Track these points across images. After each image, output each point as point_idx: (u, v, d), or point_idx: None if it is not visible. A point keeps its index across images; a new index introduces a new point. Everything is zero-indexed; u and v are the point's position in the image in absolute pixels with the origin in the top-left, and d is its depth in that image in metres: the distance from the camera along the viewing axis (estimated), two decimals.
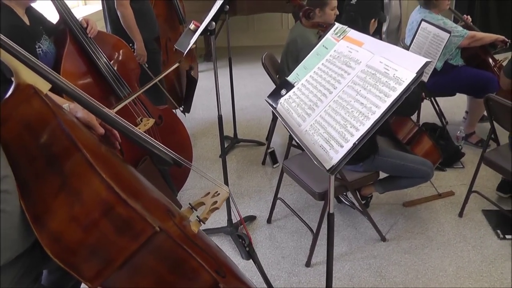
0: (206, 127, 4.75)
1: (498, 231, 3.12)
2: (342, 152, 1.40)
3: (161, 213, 1.33)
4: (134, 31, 3.48)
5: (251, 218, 3.31)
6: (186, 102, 4.30)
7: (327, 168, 1.41)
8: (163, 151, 1.55)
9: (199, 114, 4.80)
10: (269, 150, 4.02)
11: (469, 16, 4.37)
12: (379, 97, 1.44)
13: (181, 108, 4.15)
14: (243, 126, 4.65)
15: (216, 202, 1.48)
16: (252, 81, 5.86)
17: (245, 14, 6.31)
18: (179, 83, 4.39)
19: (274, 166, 3.99)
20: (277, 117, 3.71)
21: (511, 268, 2.80)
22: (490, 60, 4.12)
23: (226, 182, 3.09)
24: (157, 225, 1.14)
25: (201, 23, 2.91)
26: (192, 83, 4.24)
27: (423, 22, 3.57)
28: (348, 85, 1.57)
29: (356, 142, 1.39)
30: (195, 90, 4.36)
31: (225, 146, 3.96)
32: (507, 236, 3.06)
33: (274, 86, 3.59)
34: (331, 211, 1.75)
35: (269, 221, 3.27)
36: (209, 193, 1.55)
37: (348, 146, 1.40)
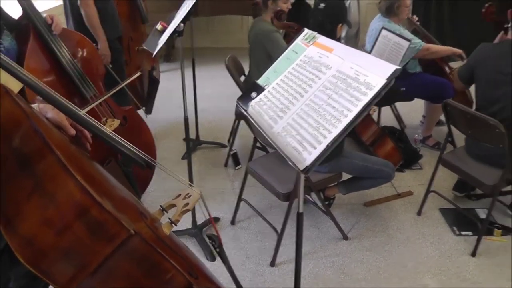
0: (168, 128, 4.74)
1: (455, 228, 3.27)
2: (316, 153, 1.46)
3: (134, 215, 1.32)
4: (98, 31, 3.44)
5: (215, 220, 3.33)
6: (148, 103, 4.28)
7: (301, 169, 1.46)
8: (135, 153, 1.54)
9: (160, 116, 4.79)
10: (231, 152, 4.05)
11: (415, 16, 4.52)
12: (350, 101, 1.50)
13: (143, 109, 4.13)
14: (205, 128, 4.66)
15: (187, 204, 1.47)
16: (213, 83, 5.87)
17: (206, 15, 6.32)
18: (141, 83, 4.36)
19: (237, 168, 4.02)
20: (239, 120, 3.81)
21: (466, 262, 2.95)
22: (446, 68, 4.29)
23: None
24: (131, 227, 1.12)
25: (167, 24, 2.93)
26: (154, 84, 4.24)
27: (383, 30, 3.68)
28: (319, 89, 1.63)
29: (330, 144, 1.45)
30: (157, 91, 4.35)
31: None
32: (462, 233, 3.22)
33: (237, 88, 3.67)
34: (300, 211, 1.79)
35: (233, 222, 3.31)
36: (180, 195, 1.54)
37: (321, 147, 1.46)
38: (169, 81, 5.39)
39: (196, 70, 4.24)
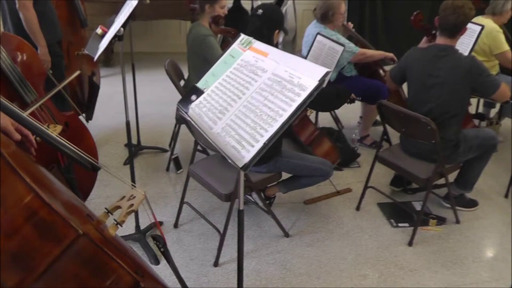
0: (108, 134, 4.70)
1: (392, 220, 3.44)
2: (253, 151, 1.54)
3: (81, 217, 1.33)
4: (38, 35, 3.39)
5: (159, 223, 3.35)
6: (88, 108, 4.23)
7: (240, 166, 1.54)
8: (81, 155, 1.56)
9: (100, 121, 4.75)
10: (173, 156, 4.06)
11: (350, 23, 4.70)
12: (285, 102, 1.59)
13: (84, 115, 4.09)
14: (146, 133, 4.65)
15: (132, 205, 1.49)
16: (153, 87, 5.85)
17: (144, 19, 6.30)
18: (81, 89, 4.30)
19: (178, 172, 4.04)
20: (180, 124, 3.85)
21: (403, 251, 3.13)
22: (381, 71, 4.47)
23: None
24: (80, 228, 1.14)
25: (107, 28, 2.93)
26: (94, 89, 4.19)
27: (318, 36, 3.82)
28: (256, 91, 1.72)
29: (266, 142, 1.53)
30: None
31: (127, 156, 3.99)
32: (399, 224, 3.40)
33: (177, 93, 3.70)
34: (241, 208, 1.86)
35: (176, 225, 3.33)
36: (124, 196, 1.55)
37: (258, 145, 1.54)
38: (109, 86, 5.34)
39: (135, 75, 4.24)
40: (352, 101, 3.74)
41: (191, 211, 3.37)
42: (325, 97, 3.65)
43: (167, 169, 4.11)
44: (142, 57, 6.79)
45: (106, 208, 1.48)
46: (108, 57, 6.75)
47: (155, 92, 5.76)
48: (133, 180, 3.08)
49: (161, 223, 3.35)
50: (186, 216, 3.41)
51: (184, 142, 4.39)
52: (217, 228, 3.06)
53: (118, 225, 1.41)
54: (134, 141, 4.35)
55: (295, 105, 1.56)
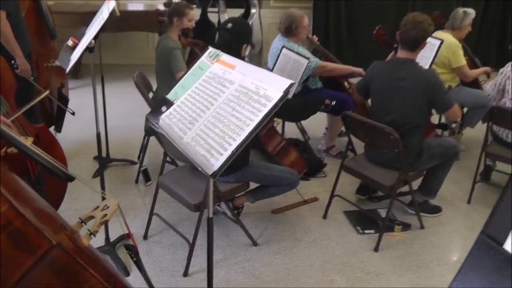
0: (77, 147, 4.68)
1: (358, 227, 3.53)
2: (222, 159, 1.61)
3: (55, 227, 1.33)
4: (14, 46, 3.39)
5: (128, 236, 3.35)
6: (57, 121, 4.22)
7: (210, 174, 1.60)
8: (57, 166, 1.56)
9: (69, 134, 4.73)
10: (142, 169, 4.07)
11: (315, 36, 4.81)
12: (252, 112, 1.66)
13: (53, 128, 4.07)
14: (115, 146, 4.65)
15: (106, 215, 1.50)
16: (121, 100, 5.84)
17: (112, 31, 6.30)
18: (50, 101, 4.27)
19: (147, 184, 4.05)
20: (149, 136, 3.88)
21: (369, 257, 3.22)
22: (346, 83, 4.58)
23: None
24: (53, 239, 1.15)
25: (77, 39, 2.95)
26: (63, 101, 4.17)
27: (284, 49, 3.91)
28: (224, 102, 1.79)
29: (234, 150, 1.60)
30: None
31: (98, 165, 3.98)
32: (366, 231, 3.49)
33: (145, 105, 3.73)
34: (210, 215, 1.92)
35: (145, 237, 3.34)
36: (98, 206, 1.56)
37: (227, 154, 1.61)
38: (77, 98, 5.33)
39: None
40: (327, 106, 3.83)
41: (161, 222, 3.39)
42: (297, 107, 3.76)
43: (136, 181, 4.11)
44: (111, 69, 6.78)
45: (80, 218, 1.49)
46: (77, 69, 6.69)
47: (123, 104, 5.75)
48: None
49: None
50: (156, 227, 3.43)
51: (153, 154, 4.41)
52: (186, 239, 3.09)
53: (92, 235, 1.42)
54: (103, 153, 4.33)
55: (261, 115, 1.63)
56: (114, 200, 1.59)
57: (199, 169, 1.64)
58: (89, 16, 5.84)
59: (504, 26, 8.65)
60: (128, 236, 3.26)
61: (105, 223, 1.49)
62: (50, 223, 1.34)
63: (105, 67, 4.30)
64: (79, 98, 5.42)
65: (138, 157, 4.40)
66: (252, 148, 3.46)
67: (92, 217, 1.51)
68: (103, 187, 3.08)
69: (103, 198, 3.03)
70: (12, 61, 3.32)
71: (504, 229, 0.75)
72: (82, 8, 6.29)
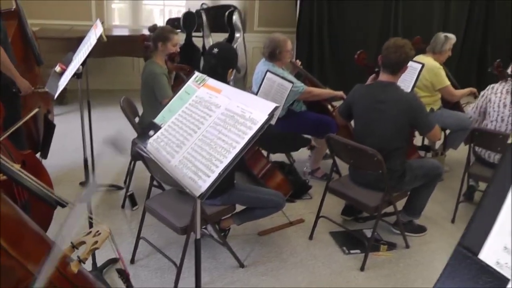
0: (63, 173, 4.67)
1: (344, 248, 3.57)
2: (209, 181, 1.65)
3: (42, 256, 1.30)
4: (13, 71, 3.43)
5: (114, 260, 3.32)
6: (43, 147, 4.21)
7: (197, 195, 1.64)
8: (48, 194, 1.59)
9: (55, 160, 4.72)
10: (128, 193, 4.07)
11: (298, 60, 4.90)
12: (238, 135, 1.71)
13: (39, 154, 4.06)
14: (101, 171, 4.63)
15: (96, 242, 1.49)
16: (107, 125, 5.81)
17: (98, 56, 6.32)
18: (36, 127, 4.26)
19: (134, 208, 4.04)
20: (135, 161, 3.90)
21: (355, 276, 3.25)
22: (329, 106, 4.65)
23: (90, 227, 3.12)
24: (36, 271, 1.15)
25: (65, 65, 2.98)
26: (50, 127, 4.15)
27: (268, 73, 3.97)
28: (210, 126, 1.84)
29: (221, 172, 1.65)
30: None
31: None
32: (351, 251, 3.53)
33: (131, 130, 3.76)
34: (197, 237, 1.95)
35: (132, 261, 3.33)
36: (91, 231, 1.54)
37: (214, 176, 1.65)
38: (63, 124, 5.32)
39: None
40: (312, 148, 3.90)
41: (147, 246, 3.39)
42: (275, 140, 3.82)
43: (123, 206, 4.11)
44: (96, 94, 6.79)
45: (72, 242, 1.48)
46: (62, 95, 6.69)
47: (109, 130, 5.66)
48: (90, 218, 3.08)
49: (116, 259, 3.36)
50: (143, 251, 3.43)
51: (139, 179, 4.40)
52: (174, 261, 3.09)
53: (81, 262, 1.42)
54: (89, 179, 4.35)
55: (247, 138, 1.68)
56: (106, 227, 1.58)
57: (187, 191, 1.68)
58: (74, 41, 5.88)
59: (483, 50, 8.88)
60: (116, 260, 3.30)
61: (94, 251, 1.48)
62: (36, 251, 1.32)
63: (90, 93, 4.33)
64: (65, 124, 5.43)
65: (125, 182, 4.40)
66: (238, 171, 3.50)
67: (83, 242, 1.50)
68: (90, 212, 3.07)
69: (91, 224, 3.05)
70: (13, 89, 3.34)
71: (479, 240, 0.80)
72: (67, 33, 6.32)
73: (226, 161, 1.67)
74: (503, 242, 0.77)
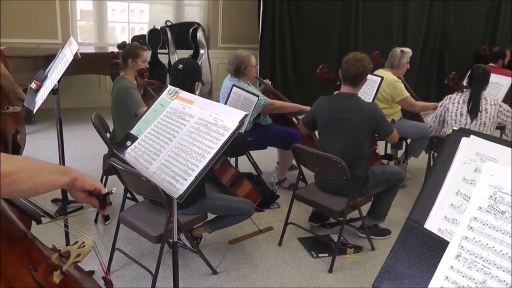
0: None
1: (312, 252, 3.71)
2: (187, 183, 1.78)
3: (22, 267, 1.34)
4: (14, 85, 3.61)
5: (90, 273, 3.38)
6: None
7: (176, 197, 1.77)
8: (30, 207, 1.62)
9: None
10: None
11: (267, 80, 5.07)
12: (212, 141, 1.85)
13: None
14: None
15: (79, 254, 1.49)
16: (76, 143, 5.87)
17: (65, 74, 6.31)
18: (5, 148, 4.22)
19: (106, 223, 4.08)
20: (107, 176, 3.97)
21: (324, 278, 3.38)
22: (294, 119, 4.83)
23: (67, 243, 3.14)
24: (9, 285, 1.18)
25: (39, 82, 3.05)
26: (17, 149, 4.16)
27: (234, 87, 4.12)
28: (185, 134, 1.97)
29: (197, 175, 1.78)
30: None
31: (57, 208, 4.01)
32: (320, 255, 3.67)
33: (100, 147, 3.81)
34: (174, 240, 2.06)
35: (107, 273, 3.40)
36: (77, 242, 1.54)
37: (191, 178, 1.79)
38: (32, 144, 5.35)
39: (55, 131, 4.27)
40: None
41: (122, 258, 3.46)
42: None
43: (95, 220, 4.15)
44: (64, 112, 6.78)
45: (59, 250, 1.50)
46: (29, 114, 6.65)
47: (78, 148, 5.75)
48: (67, 236, 3.12)
49: (93, 272, 3.41)
50: (117, 263, 3.48)
51: (111, 194, 4.44)
52: (149, 270, 3.15)
53: (63, 274, 1.42)
54: (61, 195, 4.36)
55: (220, 143, 1.83)
56: (91, 240, 1.58)
57: (168, 193, 1.80)
58: (42, 59, 5.89)
59: (441, 63, 9.24)
60: (93, 273, 3.34)
61: (76, 264, 1.48)
62: (13, 263, 1.34)
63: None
64: (34, 143, 5.45)
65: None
66: (208, 181, 3.61)
67: (69, 252, 1.50)
68: (67, 232, 3.10)
69: (67, 243, 3.06)
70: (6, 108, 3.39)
71: (424, 213, 0.96)
72: (34, 52, 6.30)
73: (201, 165, 1.80)
74: (443, 212, 0.94)
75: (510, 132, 4.26)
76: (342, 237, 3.59)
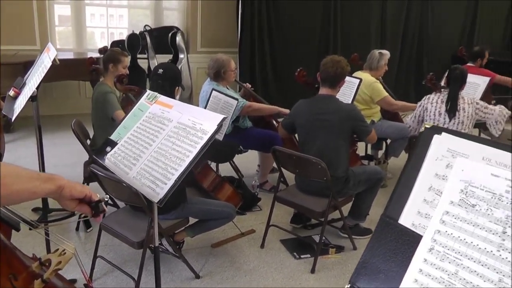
0: None
1: (295, 253, 3.73)
2: (166, 187, 1.79)
3: (5, 274, 1.32)
4: None
5: (72, 282, 3.36)
6: None
7: (156, 201, 1.77)
8: (11, 216, 1.58)
9: None
10: (82, 216, 4.07)
11: (248, 84, 5.09)
12: (190, 145, 1.86)
13: None
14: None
15: (60, 262, 1.47)
16: (56, 151, 5.82)
17: (44, 81, 6.27)
18: None
19: (88, 230, 4.05)
20: (88, 183, 3.95)
21: (307, 278, 3.40)
22: (274, 122, 4.86)
23: (48, 252, 3.11)
24: None
25: (17, 89, 3.03)
26: None
27: (214, 91, 4.14)
28: (164, 138, 1.98)
29: (177, 179, 1.79)
30: None
31: (38, 217, 3.99)
32: (302, 256, 3.70)
33: (81, 155, 3.78)
34: (156, 245, 2.07)
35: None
36: (58, 249, 1.53)
37: (170, 183, 1.79)
38: (11, 153, 5.30)
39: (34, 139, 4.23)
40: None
41: (104, 266, 3.44)
42: (210, 150, 3.97)
43: (77, 228, 4.12)
44: (44, 119, 6.71)
45: (39, 258, 1.48)
46: (7, 123, 6.58)
47: (58, 155, 5.69)
48: (48, 244, 3.11)
49: (75, 280, 3.38)
50: (100, 270, 3.46)
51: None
52: (131, 276, 3.15)
53: (43, 282, 1.40)
54: (42, 204, 4.34)
55: (199, 147, 1.84)
56: (72, 248, 1.55)
57: (148, 198, 1.81)
58: (21, 66, 5.83)
59: (420, 64, 9.35)
60: (75, 281, 3.31)
61: (58, 272, 1.45)
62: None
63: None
64: (13, 152, 5.40)
65: None
66: (189, 186, 3.61)
67: (50, 260, 1.47)
68: (48, 240, 3.08)
69: (48, 251, 3.05)
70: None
71: (398, 209, 0.98)
72: (12, 58, 6.23)
73: (181, 169, 1.81)
74: (417, 208, 0.96)
75: (491, 126, 4.32)
76: (324, 238, 3.63)
